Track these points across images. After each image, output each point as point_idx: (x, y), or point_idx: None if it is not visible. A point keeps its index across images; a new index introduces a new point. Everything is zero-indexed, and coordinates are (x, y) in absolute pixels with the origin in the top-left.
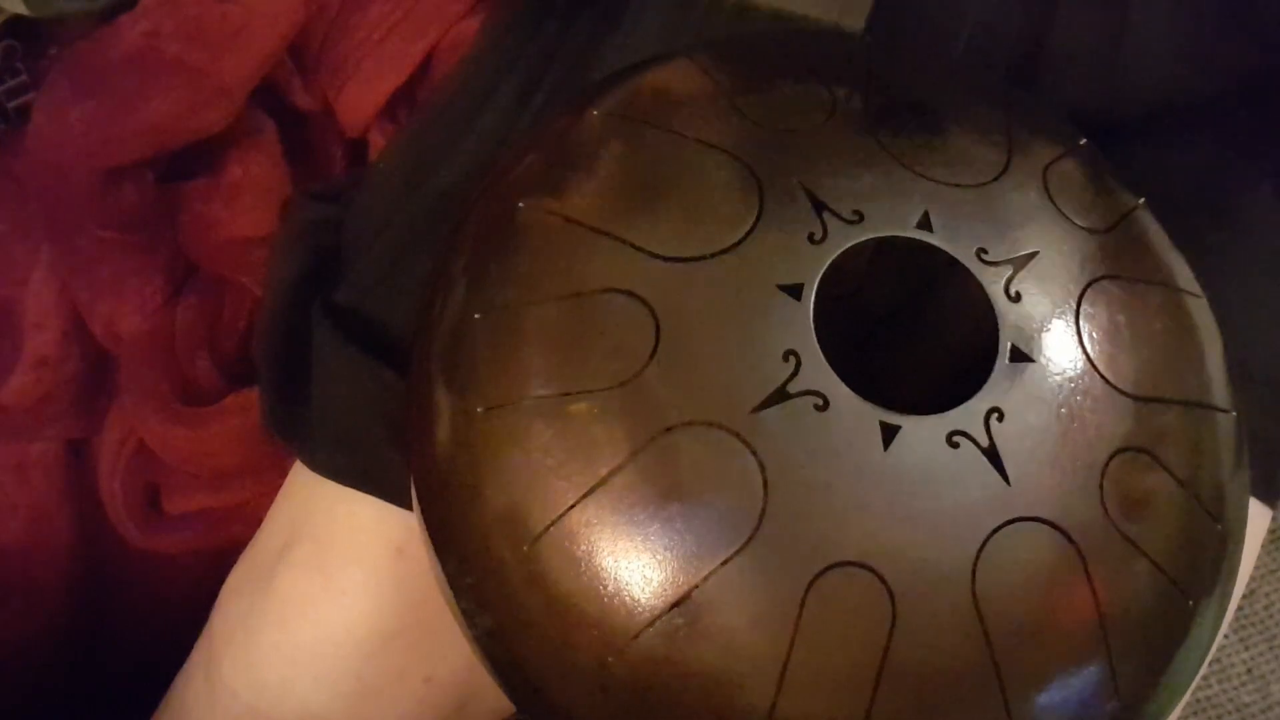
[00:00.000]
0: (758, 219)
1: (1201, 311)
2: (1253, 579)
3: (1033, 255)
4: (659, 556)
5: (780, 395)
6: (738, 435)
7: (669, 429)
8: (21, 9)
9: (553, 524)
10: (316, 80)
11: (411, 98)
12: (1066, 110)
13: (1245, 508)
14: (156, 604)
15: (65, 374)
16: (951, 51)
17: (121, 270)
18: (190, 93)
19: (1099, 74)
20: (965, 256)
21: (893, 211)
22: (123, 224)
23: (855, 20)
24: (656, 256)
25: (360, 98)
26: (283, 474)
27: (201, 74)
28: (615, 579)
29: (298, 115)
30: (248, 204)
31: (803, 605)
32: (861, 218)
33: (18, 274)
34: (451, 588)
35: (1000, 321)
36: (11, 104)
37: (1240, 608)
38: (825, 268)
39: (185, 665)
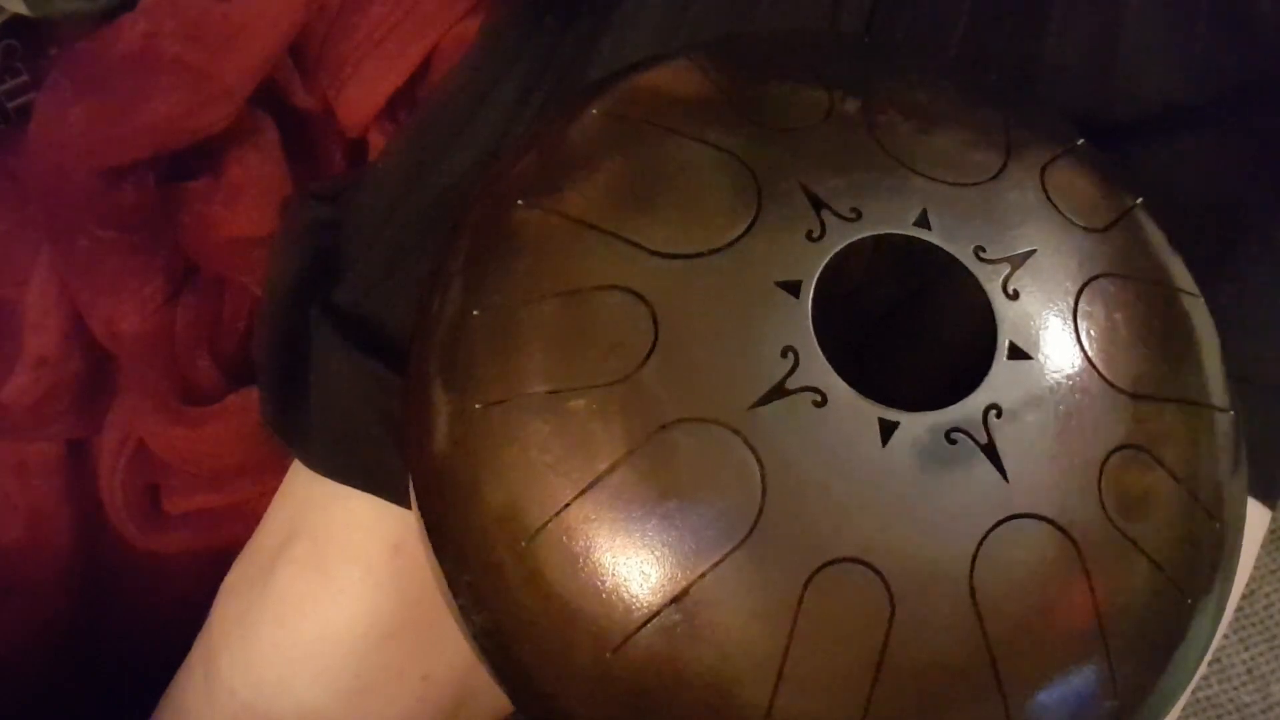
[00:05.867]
0: (756, 216)
1: (1199, 311)
2: (1253, 579)
3: (1030, 253)
4: (657, 553)
5: (778, 391)
6: (736, 431)
7: (667, 425)
8: (21, 9)
9: (550, 521)
10: (316, 80)
11: (411, 98)
12: (1062, 113)
13: (1244, 506)
14: (156, 604)
15: (65, 374)
16: (946, 54)
17: (121, 270)
18: (190, 93)
19: (1094, 79)
20: (963, 255)
21: (891, 210)
22: (123, 224)
23: None
24: (655, 254)
25: (360, 98)
26: (282, 473)
27: (201, 74)
28: (613, 576)
29: (298, 115)
30: (248, 204)
31: (801, 601)
32: (860, 216)
33: (18, 274)
34: (449, 585)
35: (998, 319)
36: (11, 104)
37: (1240, 608)
38: (823, 265)
39: (184, 664)
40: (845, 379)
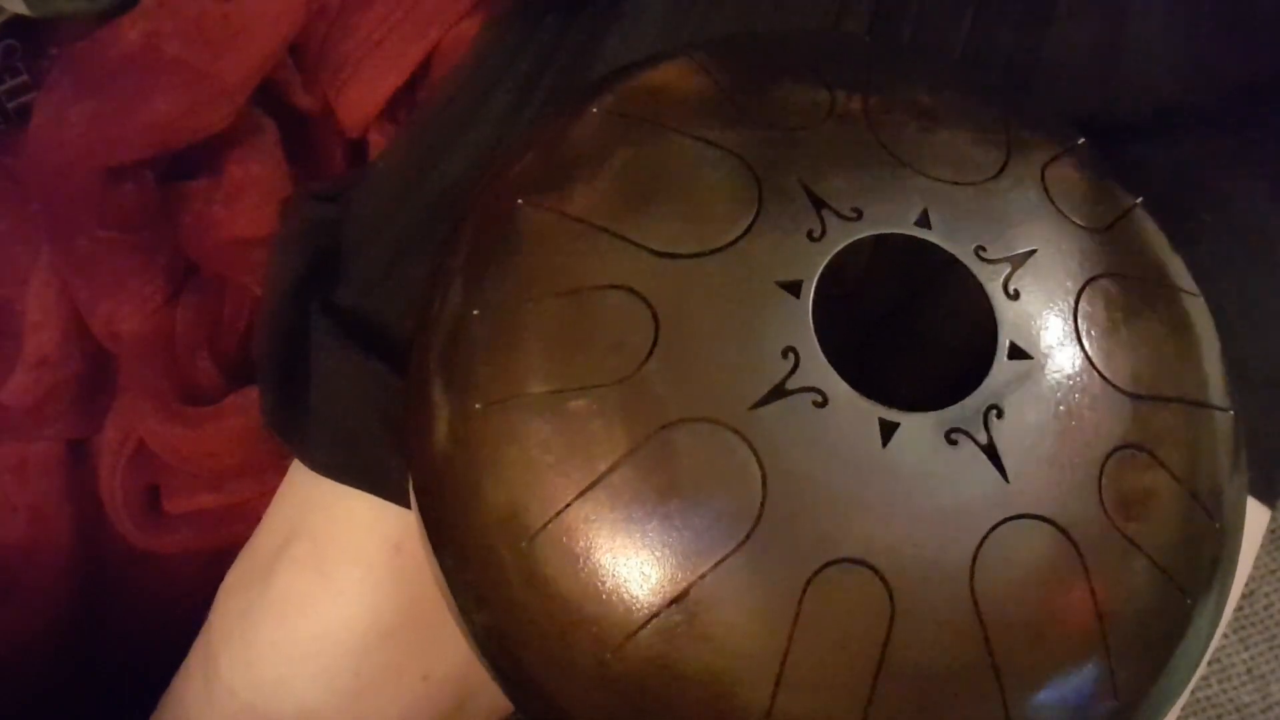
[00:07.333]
0: (756, 216)
1: (1199, 310)
2: (1252, 579)
3: (1031, 253)
4: (657, 553)
5: (779, 392)
6: (736, 432)
7: (668, 425)
8: (22, 9)
9: (551, 521)
10: (317, 80)
11: (411, 98)
12: (1063, 114)
13: (1243, 506)
14: (156, 604)
15: (65, 374)
16: (948, 54)
17: (121, 270)
18: (190, 93)
19: (1096, 80)
20: (964, 254)
21: (892, 209)
22: (123, 224)
23: None
24: (656, 253)
25: (360, 98)
26: (282, 473)
27: (202, 74)
28: (613, 576)
29: (298, 115)
30: (248, 204)
31: (801, 602)
32: (860, 215)
33: (18, 274)
34: (449, 585)
35: (999, 319)
36: (12, 104)
37: (1240, 608)
38: (824, 265)
39: (184, 664)
40: (846, 379)
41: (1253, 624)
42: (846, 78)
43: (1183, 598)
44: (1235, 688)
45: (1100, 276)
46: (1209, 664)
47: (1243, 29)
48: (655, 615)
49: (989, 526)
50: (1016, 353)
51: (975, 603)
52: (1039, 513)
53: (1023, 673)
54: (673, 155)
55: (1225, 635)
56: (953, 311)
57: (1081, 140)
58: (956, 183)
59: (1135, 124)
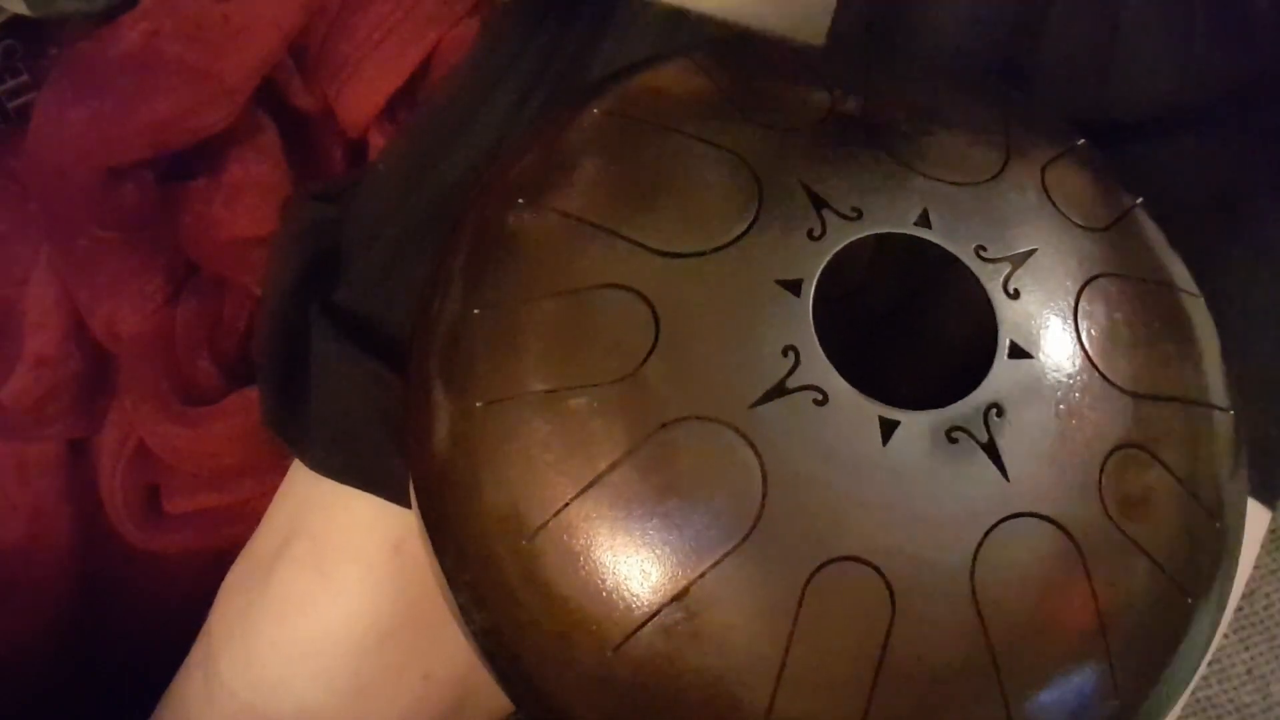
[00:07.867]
0: (757, 215)
1: (1198, 310)
2: (1253, 579)
3: (1031, 253)
4: (657, 552)
5: (779, 390)
6: (737, 430)
7: (667, 424)
8: (21, 9)
9: (551, 519)
10: (316, 80)
11: (411, 98)
12: (1062, 113)
13: (1244, 506)
14: (156, 604)
15: (65, 374)
16: (945, 54)
17: (121, 270)
18: (190, 93)
19: (1091, 80)
20: (964, 254)
21: (892, 209)
22: (123, 224)
23: (814, 36)
24: (656, 252)
25: (360, 98)
26: (282, 473)
27: (202, 74)
28: (613, 575)
29: (298, 115)
30: (248, 204)
31: (801, 600)
32: (860, 215)
33: (18, 274)
34: (449, 584)
35: (999, 318)
36: (12, 104)
37: (1240, 608)
38: (824, 264)
39: (184, 664)
40: (846, 378)
41: (1253, 624)
42: (845, 78)
43: (1183, 597)
44: (1235, 688)
45: (1100, 276)
46: (1209, 664)
47: (1237, 28)
48: (655, 614)
49: (989, 525)
50: (1017, 352)
51: (976, 601)
52: (1039, 511)
53: (1023, 672)
54: (672, 155)
55: (1225, 635)
56: (953, 311)
57: (1081, 140)
58: (956, 183)
59: (1133, 124)
